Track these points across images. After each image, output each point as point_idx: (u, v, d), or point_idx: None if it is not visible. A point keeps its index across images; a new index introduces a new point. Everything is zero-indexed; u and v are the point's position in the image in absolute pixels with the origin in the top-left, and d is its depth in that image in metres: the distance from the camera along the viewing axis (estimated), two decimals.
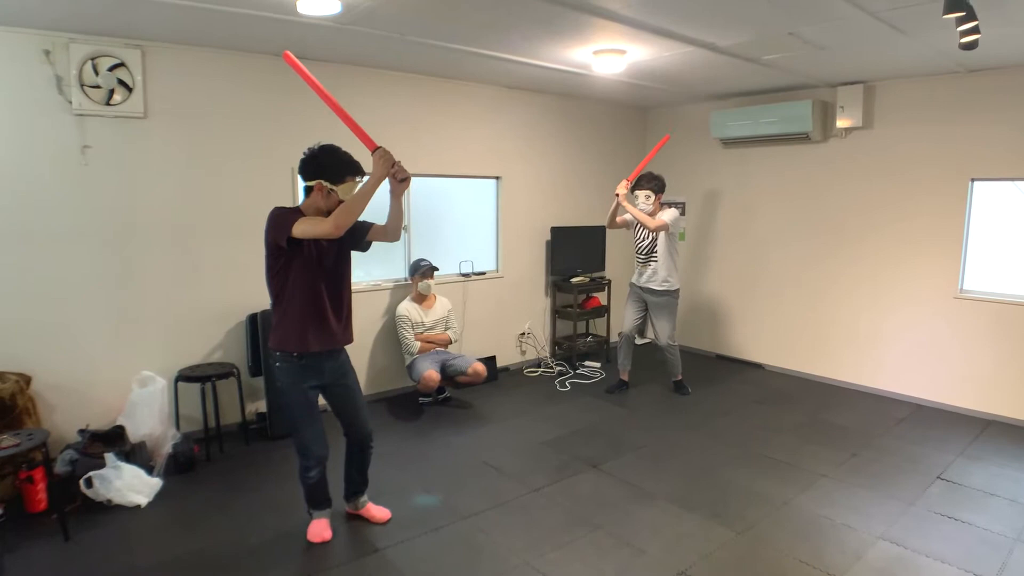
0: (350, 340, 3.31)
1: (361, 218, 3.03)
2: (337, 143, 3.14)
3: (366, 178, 2.99)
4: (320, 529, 3.39)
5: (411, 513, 3.67)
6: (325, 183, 3.03)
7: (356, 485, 3.58)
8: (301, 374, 3.16)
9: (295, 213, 3.01)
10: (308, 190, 3.12)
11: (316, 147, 3.08)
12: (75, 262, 4.16)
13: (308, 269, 3.08)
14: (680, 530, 3.50)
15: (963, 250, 5.31)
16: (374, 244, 3.40)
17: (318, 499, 3.41)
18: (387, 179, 3.00)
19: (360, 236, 3.24)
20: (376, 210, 3.14)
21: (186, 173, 4.53)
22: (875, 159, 5.75)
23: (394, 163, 2.95)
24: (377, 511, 3.60)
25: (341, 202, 3.00)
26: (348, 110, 3.05)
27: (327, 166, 3.04)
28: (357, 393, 3.42)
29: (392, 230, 3.25)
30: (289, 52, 3.03)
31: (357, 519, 3.60)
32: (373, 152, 2.95)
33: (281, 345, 3.12)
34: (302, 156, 3.09)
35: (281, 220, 2.97)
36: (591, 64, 4.87)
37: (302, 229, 2.91)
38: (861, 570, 3.12)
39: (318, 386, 3.25)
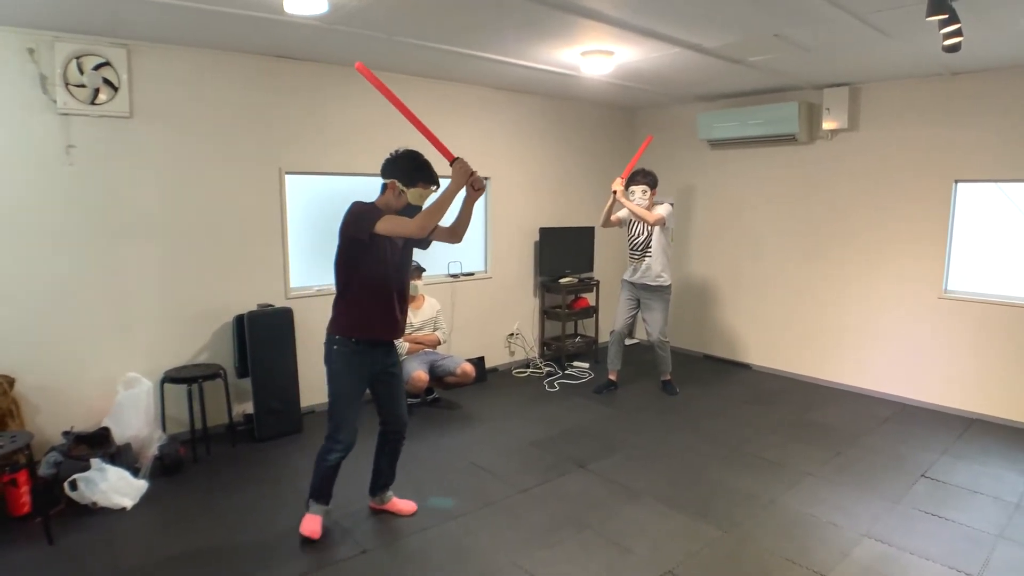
0: (403, 332, 3.53)
1: None
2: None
3: (443, 187, 3.12)
4: (312, 525, 3.41)
5: (395, 515, 3.66)
6: (398, 183, 3.19)
7: (385, 478, 3.67)
8: (355, 361, 3.30)
9: (376, 210, 3.16)
10: (384, 188, 3.27)
11: (401, 150, 3.26)
12: (60, 262, 4.13)
13: (380, 263, 3.23)
14: (667, 529, 3.52)
15: (947, 251, 5.37)
16: None
17: (323, 489, 3.45)
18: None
19: (426, 235, 3.35)
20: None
21: (172, 173, 4.50)
22: (860, 161, 5.80)
23: (472, 173, 3.09)
24: (403, 504, 3.69)
25: (409, 204, 3.20)
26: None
27: (403, 169, 3.20)
28: (401, 384, 3.56)
29: (457, 233, 3.39)
30: (361, 63, 3.15)
31: (382, 513, 3.67)
32: (452, 163, 3.09)
33: (344, 331, 3.27)
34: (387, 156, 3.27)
35: (364, 215, 3.11)
36: (579, 65, 4.89)
37: (387, 227, 3.06)
38: (847, 568, 3.14)
39: (369, 374, 3.37)
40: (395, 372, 3.48)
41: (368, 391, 3.44)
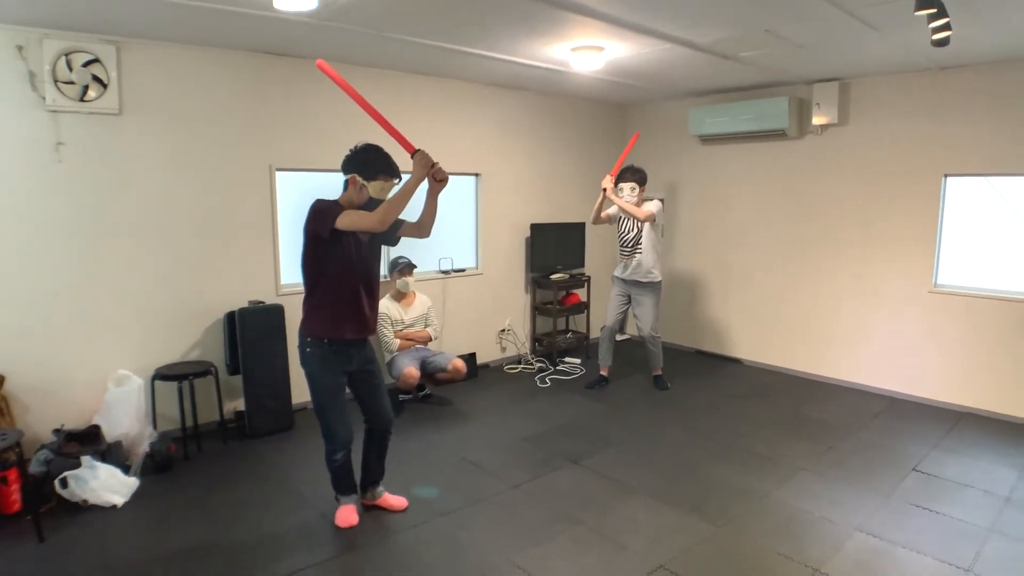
0: (375, 328, 3.50)
1: None
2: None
3: (404, 179, 3.14)
4: (347, 514, 3.48)
5: (391, 511, 3.66)
6: (359, 178, 3.18)
7: (375, 474, 3.67)
8: (331, 361, 3.28)
9: (337, 206, 3.14)
10: (346, 184, 3.25)
11: (360, 144, 3.24)
12: (49, 260, 4.10)
13: (345, 260, 3.21)
14: (661, 524, 3.53)
15: (937, 245, 5.40)
16: None
17: (344, 484, 3.52)
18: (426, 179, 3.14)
19: (392, 231, 3.36)
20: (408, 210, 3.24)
21: (162, 170, 4.47)
22: (851, 155, 5.82)
23: (433, 164, 3.11)
24: (394, 500, 3.69)
25: (371, 199, 3.18)
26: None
27: (363, 162, 3.19)
28: (381, 380, 3.54)
29: (424, 227, 3.37)
30: (322, 60, 3.17)
31: (373, 510, 3.67)
32: (412, 155, 3.11)
33: (315, 333, 3.25)
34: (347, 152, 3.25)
35: (325, 212, 3.09)
36: (569, 61, 4.88)
37: (347, 221, 3.05)
38: (839, 562, 3.16)
39: (346, 373, 3.36)
40: (372, 369, 3.46)
41: (349, 390, 3.44)
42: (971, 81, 5.07)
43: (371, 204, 3.18)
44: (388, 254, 5.61)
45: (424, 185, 3.18)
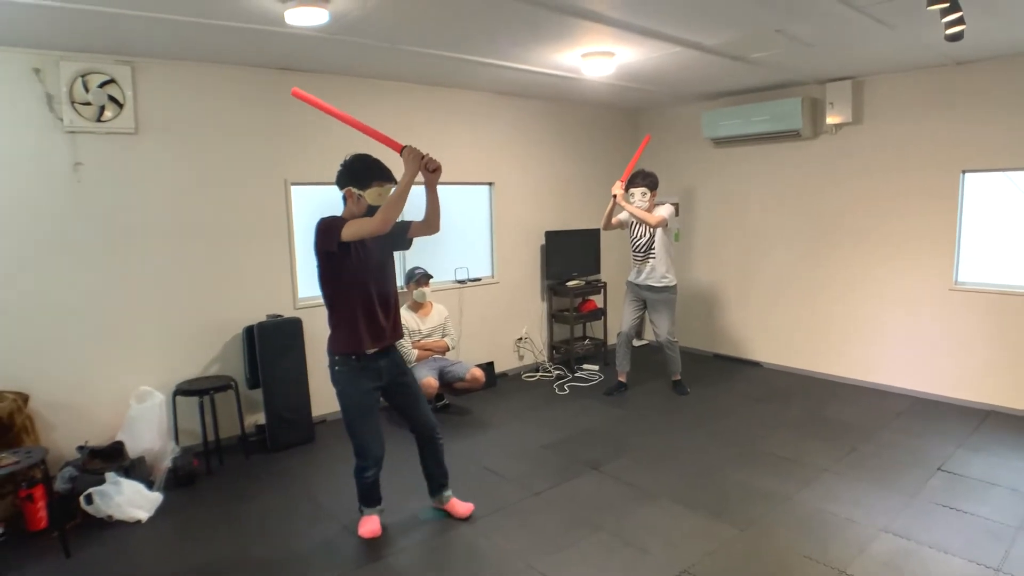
0: (400, 335, 3.51)
1: (400, 218, 3.18)
2: (341, 154, 3.29)
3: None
4: (371, 525, 3.50)
5: (410, 519, 3.67)
6: (354, 189, 3.20)
7: (437, 479, 3.70)
8: (360, 378, 3.30)
9: (340, 220, 3.16)
10: (344, 199, 3.29)
11: (348, 157, 3.27)
12: (70, 279, 4.16)
13: (356, 272, 3.23)
14: (683, 529, 3.50)
15: (956, 242, 5.33)
16: None
17: (371, 498, 3.53)
18: (420, 173, 3.14)
19: (401, 234, 3.40)
20: (413, 210, 3.31)
21: (179, 187, 4.53)
22: (866, 154, 5.77)
23: (423, 156, 3.10)
24: (460, 506, 3.70)
25: (371, 207, 3.18)
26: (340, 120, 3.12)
27: (354, 173, 3.22)
28: (416, 388, 3.56)
29: (431, 222, 3.38)
30: (296, 88, 3.22)
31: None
32: (401, 152, 3.10)
33: (339, 348, 3.27)
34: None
35: (329, 227, 3.12)
36: (580, 67, 4.89)
37: (352, 231, 3.07)
38: (865, 563, 3.12)
39: (378, 388, 3.38)
40: (405, 380, 3.48)
41: (386, 403, 3.48)
42: (987, 75, 5.02)
43: (372, 213, 3.18)
44: (404, 265, 5.64)
45: (423, 183, 3.21)
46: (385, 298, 3.34)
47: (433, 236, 3.48)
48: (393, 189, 3.14)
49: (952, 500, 3.73)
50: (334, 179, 3.30)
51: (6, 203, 3.92)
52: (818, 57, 4.91)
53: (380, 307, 3.30)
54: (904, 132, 5.51)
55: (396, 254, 3.57)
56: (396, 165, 3.21)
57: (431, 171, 3.17)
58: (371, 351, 3.29)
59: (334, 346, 3.28)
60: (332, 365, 3.31)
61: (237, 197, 4.78)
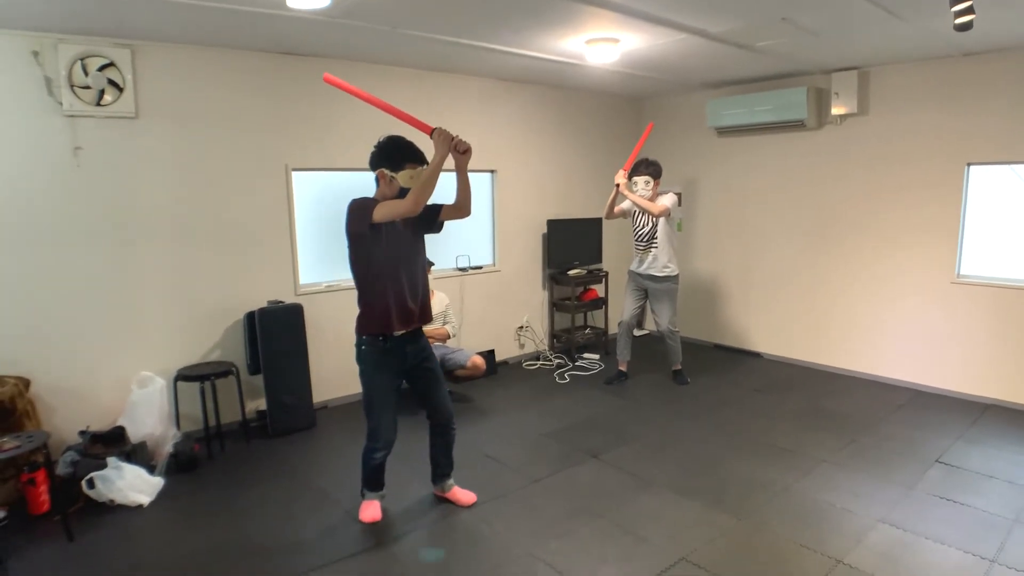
0: (429, 319, 3.51)
1: (430, 201, 3.18)
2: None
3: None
4: (372, 510, 3.52)
5: (412, 505, 3.68)
6: (387, 171, 3.23)
7: (443, 468, 3.72)
8: (385, 360, 3.32)
9: (372, 201, 3.18)
10: (377, 180, 3.31)
11: (382, 139, 3.28)
12: (71, 264, 4.15)
13: (387, 254, 3.24)
14: (681, 517, 3.52)
15: (960, 235, 5.31)
16: None
17: (374, 482, 3.56)
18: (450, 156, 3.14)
19: (432, 217, 3.39)
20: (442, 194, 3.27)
21: (180, 172, 4.52)
22: (871, 145, 5.75)
23: (453, 138, 3.12)
24: (463, 495, 3.72)
25: (402, 188, 3.19)
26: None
27: (387, 155, 3.23)
28: (440, 376, 3.58)
29: (462, 205, 3.39)
30: (328, 74, 3.20)
31: (444, 502, 3.73)
32: (431, 134, 3.11)
33: (367, 330, 3.29)
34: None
35: (361, 209, 3.15)
36: (584, 54, 4.86)
37: (383, 212, 3.10)
38: (862, 553, 3.13)
39: (402, 372, 3.41)
40: (429, 366, 3.49)
41: (408, 386, 3.51)
42: (995, 67, 4.98)
43: (404, 195, 3.19)
44: None
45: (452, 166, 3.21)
46: (414, 281, 3.35)
47: None
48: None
49: (950, 492, 3.75)
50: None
51: (5, 187, 3.91)
52: (824, 46, 4.88)
53: (409, 290, 3.31)
54: (910, 123, 5.48)
55: None
56: (427, 148, 3.23)
57: (461, 152, 3.19)
58: (399, 333, 3.31)
59: (362, 327, 3.31)
60: (359, 344, 3.34)
61: (238, 183, 4.77)
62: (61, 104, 3.99)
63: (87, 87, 4.04)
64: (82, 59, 4.01)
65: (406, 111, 3.19)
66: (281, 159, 4.94)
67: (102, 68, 4.07)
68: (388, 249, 3.23)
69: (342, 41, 4.52)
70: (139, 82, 4.28)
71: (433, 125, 3.14)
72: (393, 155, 3.22)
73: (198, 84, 4.53)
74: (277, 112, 4.87)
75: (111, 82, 4.13)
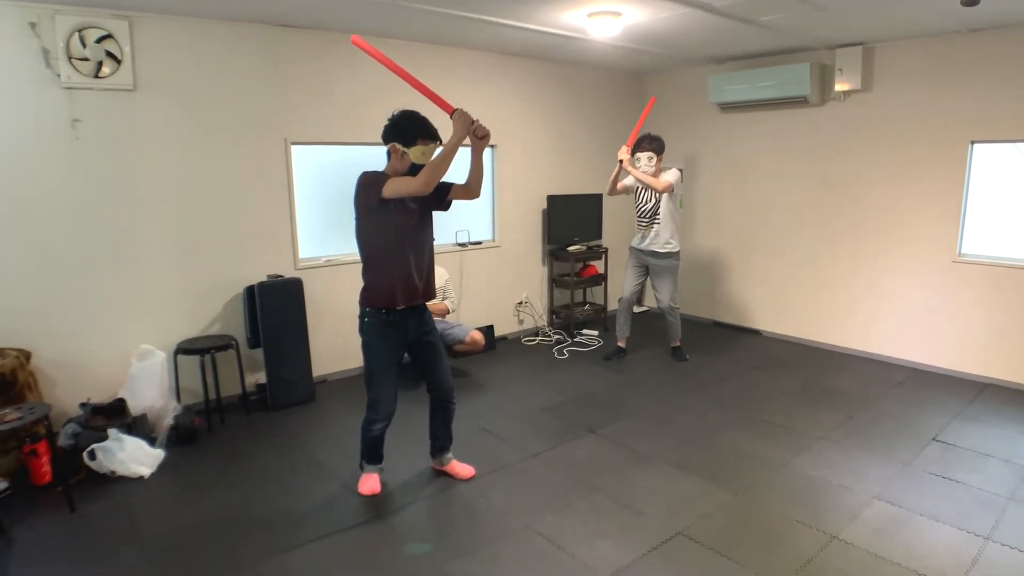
0: (432, 296, 3.50)
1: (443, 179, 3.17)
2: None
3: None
4: (371, 483, 3.56)
5: (411, 478, 3.71)
6: (399, 145, 3.21)
7: (443, 441, 3.75)
8: (387, 333, 3.34)
9: (383, 176, 3.19)
10: (388, 154, 3.30)
11: (396, 112, 3.24)
12: (71, 237, 4.15)
13: (395, 230, 3.24)
14: (678, 492, 3.55)
15: (962, 213, 5.29)
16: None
17: (374, 454, 3.59)
18: (467, 138, 3.15)
19: (442, 196, 3.38)
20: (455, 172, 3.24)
21: (178, 145, 4.49)
22: (874, 122, 5.70)
23: (473, 122, 3.11)
24: (461, 468, 3.75)
25: (414, 164, 3.20)
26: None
27: (400, 129, 3.21)
28: (441, 350, 3.59)
29: (472, 188, 3.39)
30: (356, 36, 3.16)
31: (442, 475, 3.76)
32: (451, 115, 3.11)
33: (371, 302, 3.31)
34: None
35: (371, 183, 3.15)
36: (586, 27, 4.80)
37: (394, 188, 3.10)
38: (857, 529, 3.16)
39: (404, 345, 3.43)
40: (431, 340, 3.50)
41: (410, 359, 3.52)
42: (1001, 43, 4.92)
43: (415, 170, 3.19)
44: None
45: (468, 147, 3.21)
46: (420, 258, 3.36)
47: None
48: (438, 150, 3.14)
49: (946, 470, 3.77)
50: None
51: (4, 159, 3.89)
52: (829, 21, 4.82)
53: (415, 266, 3.32)
54: (914, 100, 5.43)
55: None
56: (444, 127, 3.22)
57: (479, 137, 3.19)
58: (402, 307, 3.32)
59: (366, 299, 3.32)
60: (362, 316, 3.36)
61: (237, 156, 4.74)
62: (59, 76, 3.96)
63: (85, 59, 4.00)
64: (80, 30, 3.97)
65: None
66: (280, 133, 4.90)
67: (100, 40, 4.03)
68: (396, 225, 3.23)
69: (341, 13, 4.46)
70: (137, 54, 4.24)
71: (455, 106, 3.11)
72: (406, 130, 3.20)
73: (197, 57, 4.49)
74: (276, 86, 4.83)
75: (109, 54, 4.09)
